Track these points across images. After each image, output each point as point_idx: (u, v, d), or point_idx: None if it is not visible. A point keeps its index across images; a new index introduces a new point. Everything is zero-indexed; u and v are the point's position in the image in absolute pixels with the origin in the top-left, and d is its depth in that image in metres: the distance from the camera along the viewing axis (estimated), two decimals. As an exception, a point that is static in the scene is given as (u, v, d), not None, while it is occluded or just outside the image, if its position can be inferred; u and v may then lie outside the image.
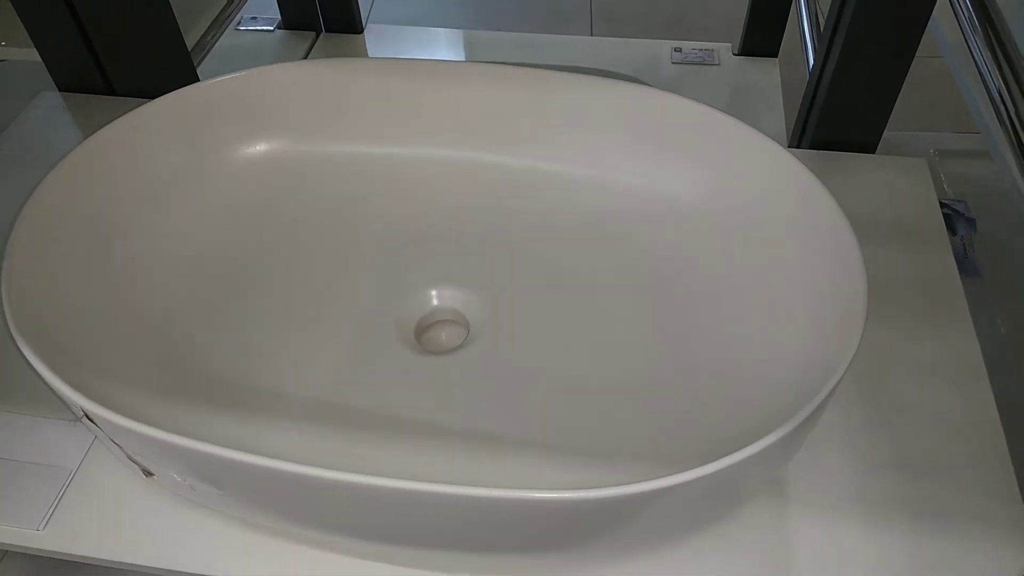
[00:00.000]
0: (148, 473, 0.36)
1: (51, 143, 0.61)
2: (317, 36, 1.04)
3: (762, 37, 0.94)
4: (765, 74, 0.96)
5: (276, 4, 1.04)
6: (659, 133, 0.46)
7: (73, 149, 0.44)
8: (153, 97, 0.49)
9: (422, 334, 0.47)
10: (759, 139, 0.43)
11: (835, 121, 0.56)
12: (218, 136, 0.49)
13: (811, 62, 0.68)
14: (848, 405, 0.43)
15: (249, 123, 0.50)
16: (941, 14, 0.74)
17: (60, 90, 0.66)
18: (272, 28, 1.05)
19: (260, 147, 0.50)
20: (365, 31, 1.07)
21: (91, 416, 0.33)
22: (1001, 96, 0.53)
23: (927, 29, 0.54)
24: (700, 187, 0.46)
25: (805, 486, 0.40)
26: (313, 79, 0.50)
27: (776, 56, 0.98)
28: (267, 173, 0.50)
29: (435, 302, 0.47)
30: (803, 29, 0.78)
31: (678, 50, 0.99)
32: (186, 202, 0.48)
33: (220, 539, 0.39)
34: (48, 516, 0.40)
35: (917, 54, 0.54)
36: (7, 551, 0.40)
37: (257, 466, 0.30)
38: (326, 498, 0.32)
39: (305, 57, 1.02)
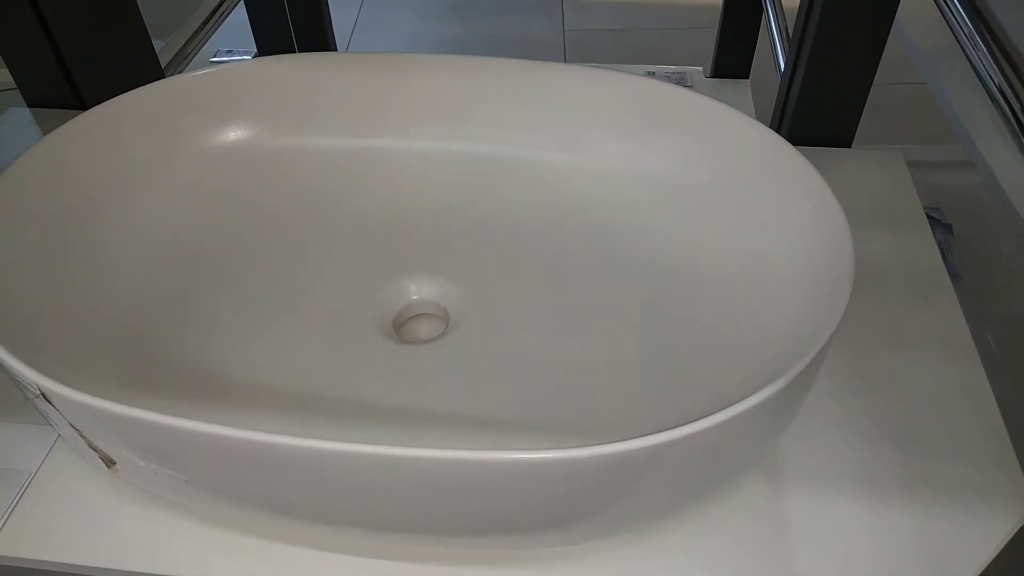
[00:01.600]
0: (110, 462, 0.34)
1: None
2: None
3: (733, 59, 0.96)
4: (738, 94, 0.97)
5: (252, 36, 1.05)
6: (638, 117, 0.46)
7: (41, 139, 0.43)
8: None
9: (400, 327, 0.45)
10: (738, 117, 0.43)
11: (810, 115, 0.57)
12: (191, 129, 0.49)
13: (782, 64, 0.69)
14: (841, 382, 0.42)
15: (222, 116, 0.49)
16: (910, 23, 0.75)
17: (29, 106, 0.65)
18: (249, 59, 1.06)
19: (233, 139, 0.50)
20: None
21: (47, 396, 0.31)
22: (1002, 89, 0.53)
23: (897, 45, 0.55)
24: (681, 166, 0.45)
25: (800, 464, 0.39)
26: (287, 73, 0.49)
27: (747, 77, 1.00)
28: (241, 166, 0.49)
29: (413, 295, 0.46)
30: (771, 31, 0.79)
31: (651, 74, 1.01)
32: (156, 193, 0.47)
33: (188, 538, 0.37)
34: (2, 520, 0.38)
35: (877, 81, 0.55)
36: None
37: (223, 437, 0.29)
38: (298, 474, 0.30)
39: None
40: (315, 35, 1.05)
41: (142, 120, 0.47)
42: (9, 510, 0.38)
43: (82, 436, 0.33)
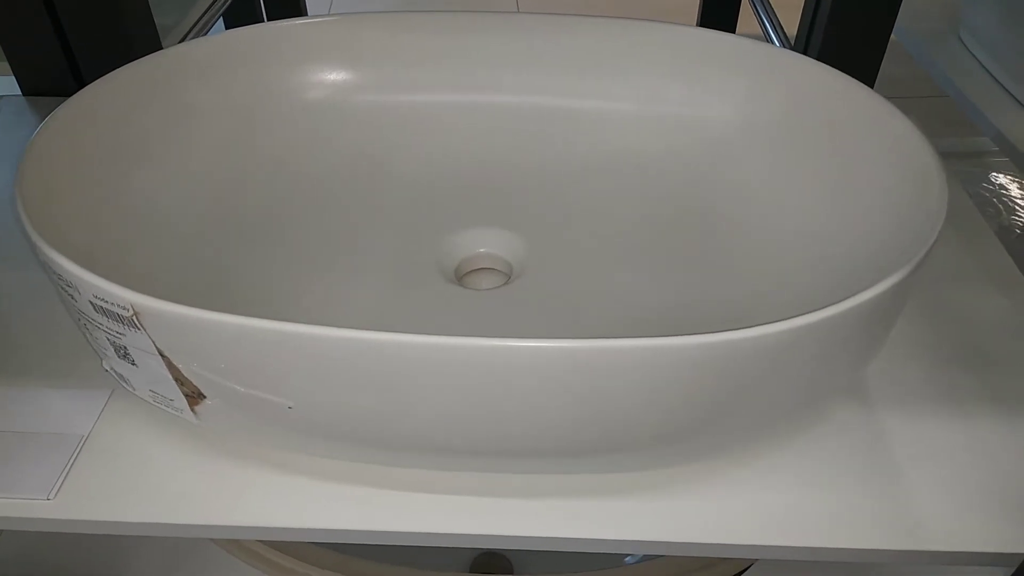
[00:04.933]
0: (199, 397, 0.32)
1: (20, 142, 0.57)
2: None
3: (719, 14, 0.97)
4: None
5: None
6: (692, 65, 0.47)
7: (100, 78, 0.41)
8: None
9: (462, 279, 0.44)
10: (789, 55, 0.44)
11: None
12: (250, 81, 0.47)
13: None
14: (908, 314, 0.43)
15: (280, 71, 0.48)
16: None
17: (24, 94, 0.62)
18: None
19: (291, 94, 0.48)
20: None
21: (142, 317, 0.29)
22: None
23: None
24: (744, 110, 0.46)
25: (886, 390, 0.39)
26: (350, 33, 0.49)
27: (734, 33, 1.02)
28: (300, 120, 0.48)
29: (474, 248, 0.44)
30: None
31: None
32: (213, 143, 0.45)
33: (263, 487, 0.34)
34: (59, 483, 0.35)
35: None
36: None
37: (359, 340, 0.27)
38: (424, 383, 0.28)
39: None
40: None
41: (201, 70, 0.46)
42: (64, 473, 0.35)
43: (171, 368, 0.31)
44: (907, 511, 0.34)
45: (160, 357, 0.31)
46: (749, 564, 0.55)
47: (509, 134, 0.48)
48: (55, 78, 0.61)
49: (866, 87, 0.41)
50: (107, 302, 0.29)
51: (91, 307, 0.31)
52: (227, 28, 1.02)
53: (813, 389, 0.34)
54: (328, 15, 0.49)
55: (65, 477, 0.35)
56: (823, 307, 0.29)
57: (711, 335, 0.27)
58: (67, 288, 0.31)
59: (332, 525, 0.34)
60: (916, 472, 0.36)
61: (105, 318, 0.30)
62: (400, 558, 0.56)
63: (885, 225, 0.37)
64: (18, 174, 0.35)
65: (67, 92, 0.61)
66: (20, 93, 0.62)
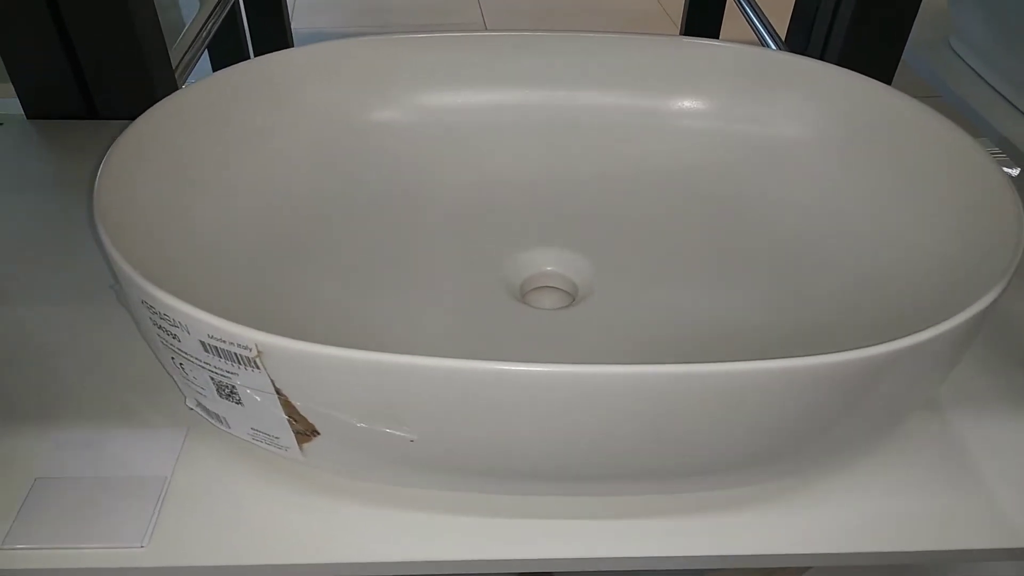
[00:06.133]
0: (311, 434, 0.31)
1: (27, 168, 0.54)
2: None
3: (703, 23, 0.99)
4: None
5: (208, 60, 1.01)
6: (743, 82, 0.48)
7: (162, 101, 0.41)
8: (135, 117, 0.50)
9: (526, 297, 0.44)
10: (854, 77, 0.45)
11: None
12: (309, 98, 0.47)
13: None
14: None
15: (334, 88, 0.48)
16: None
17: (28, 118, 0.59)
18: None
19: (346, 112, 0.48)
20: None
21: (264, 356, 0.28)
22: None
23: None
24: (811, 129, 0.47)
25: (953, 395, 0.40)
26: (404, 53, 0.49)
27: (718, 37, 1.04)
28: (361, 141, 0.48)
29: (538, 265, 0.44)
30: None
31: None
32: (268, 165, 0.45)
33: (373, 521, 0.34)
34: (150, 530, 0.33)
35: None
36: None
37: (500, 372, 0.27)
38: (558, 410, 0.28)
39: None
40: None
41: (261, 88, 0.46)
42: (154, 519, 0.34)
43: (286, 406, 0.30)
44: (989, 510, 0.36)
45: (276, 395, 0.30)
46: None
47: (567, 151, 0.48)
48: (64, 101, 0.58)
49: (933, 110, 0.42)
50: (225, 342, 0.29)
51: (200, 347, 0.30)
52: (212, 60, 1.00)
53: (904, 404, 0.35)
54: (389, 34, 0.49)
55: (155, 523, 0.34)
56: (923, 328, 0.29)
57: (829, 355, 0.28)
58: (171, 328, 0.30)
59: (443, 556, 0.33)
60: (992, 472, 0.37)
61: (217, 358, 0.29)
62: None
63: (956, 244, 0.39)
64: (98, 209, 0.33)
65: (76, 115, 0.59)
66: (23, 115, 0.60)
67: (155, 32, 0.58)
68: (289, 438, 0.32)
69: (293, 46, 1.05)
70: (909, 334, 0.29)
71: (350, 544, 0.33)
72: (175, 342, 0.31)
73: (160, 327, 0.31)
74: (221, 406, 0.32)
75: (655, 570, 0.37)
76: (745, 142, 0.48)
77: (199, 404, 0.34)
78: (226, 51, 0.99)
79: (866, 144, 0.45)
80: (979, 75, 0.73)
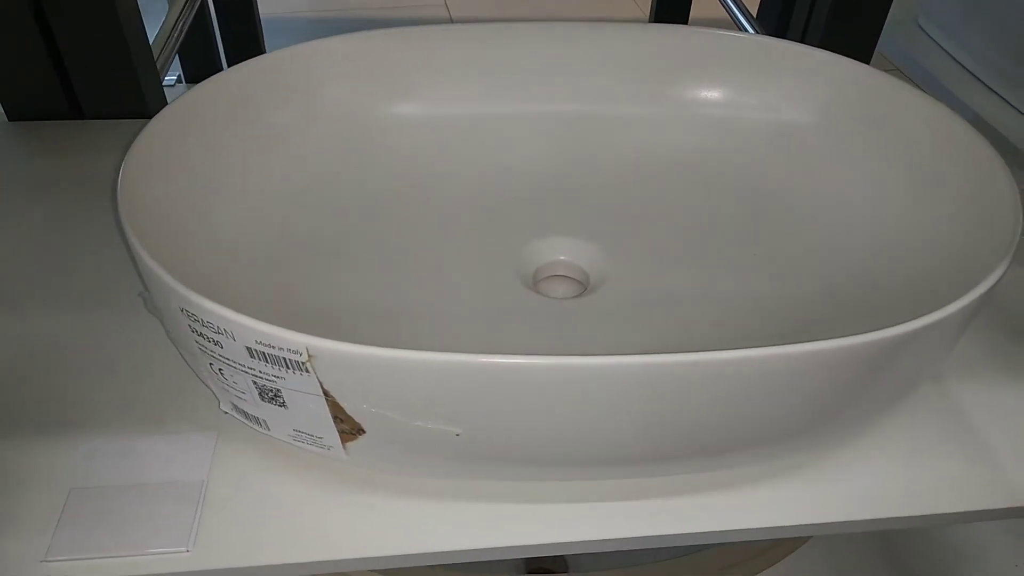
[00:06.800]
0: (357, 433, 0.31)
1: (13, 172, 0.53)
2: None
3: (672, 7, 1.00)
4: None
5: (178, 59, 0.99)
6: (739, 69, 0.49)
7: (182, 95, 0.41)
8: (123, 117, 0.54)
9: (538, 286, 0.45)
10: (864, 69, 0.46)
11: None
12: (325, 93, 0.47)
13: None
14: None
15: (360, 84, 0.48)
16: None
17: (10, 120, 0.58)
18: (173, 83, 1.00)
19: (366, 109, 0.48)
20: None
21: (314, 360, 0.28)
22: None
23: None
24: (818, 117, 0.48)
25: (952, 369, 0.43)
26: (413, 46, 0.49)
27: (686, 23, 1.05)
28: (372, 137, 0.48)
29: (548, 255, 0.45)
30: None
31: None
32: (288, 157, 0.45)
33: (404, 513, 0.35)
34: (194, 533, 0.34)
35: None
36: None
37: (546, 367, 0.28)
38: (600, 400, 0.29)
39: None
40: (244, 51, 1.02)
41: (279, 82, 0.46)
42: (196, 522, 0.34)
43: (333, 407, 0.30)
44: (994, 471, 0.38)
45: (323, 397, 0.30)
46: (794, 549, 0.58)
47: (575, 141, 0.49)
48: (46, 101, 0.57)
49: (940, 104, 0.44)
50: (274, 347, 0.29)
51: (246, 353, 0.30)
52: (184, 69, 0.98)
53: (918, 378, 0.36)
54: (402, 28, 0.48)
55: (198, 526, 0.34)
56: (940, 307, 0.31)
57: (856, 337, 0.29)
58: (214, 335, 0.30)
59: (486, 544, 0.34)
60: (1007, 439, 0.39)
61: (263, 363, 0.30)
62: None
63: (958, 229, 0.40)
64: (126, 217, 0.33)
65: (59, 116, 0.58)
66: (3, 117, 0.58)
67: (140, 28, 0.57)
68: (333, 438, 0.32)
69: (263, 40, 1.04)
70: (926, 312, 0.31)
71: (391, 536, 0.34)
72: (217, 348, 0.31)
73: (200, 334, 0.31)
74: (263, 409, 0.33)
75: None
76: (753, 129, 0.49)
77: (236, 408, 0.34)
78: (195, 49, 0.97)
79: (869, 131, 0.46)
80: (947, 52, 0.76)
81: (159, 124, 0.39)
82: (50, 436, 0.37)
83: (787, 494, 0.37)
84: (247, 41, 1.01)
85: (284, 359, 0.29)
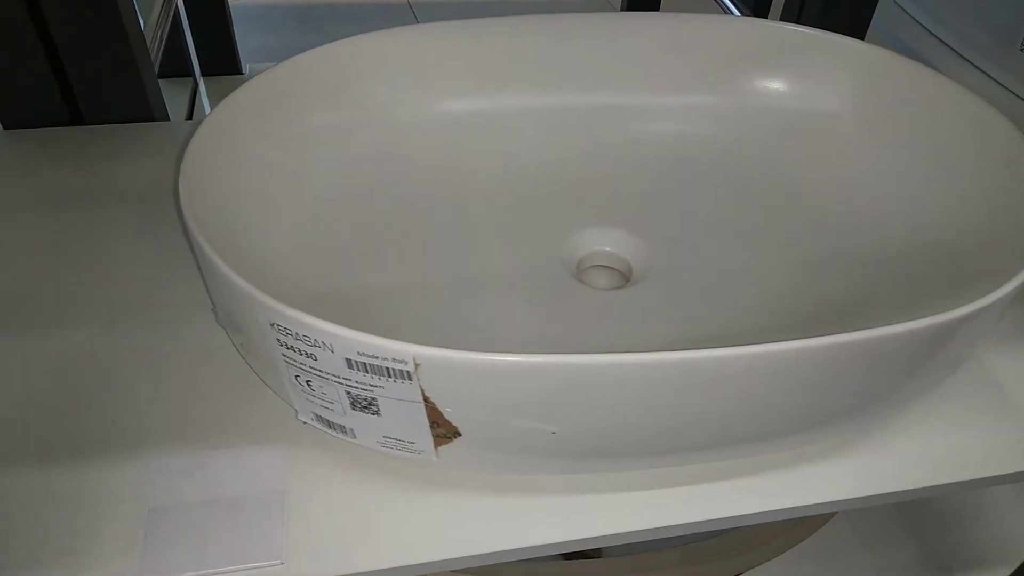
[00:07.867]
0: (453, 436, 0.32)
1: (13, 183, 0.51)
2: (195, 81, 0.97)
3: None
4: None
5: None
6: (773, 57, 0.50)
7: (229, 96, 0.41)
8: (125, 121, 0.53)
9: (581, 276, 0.45)
10: (894, 57, 0.48)
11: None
12: (368, 94, 0.47)
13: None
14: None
15: (402, 80, 0.48)
16: None
17: (5, 128, 0.56)
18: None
19: (409, 106, 0.48)
20: (246, 71, 1.02)
21: (420, 368, 0.29)
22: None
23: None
24: (850, 106, 0.50)
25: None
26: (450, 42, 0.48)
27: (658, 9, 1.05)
28: (404, 130, 0.48)
29: (590, 245, 0.46)
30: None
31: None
32: (323, 160, 0.45)
33: (485, 511, 0.35)
34: (285, 545, 0.34)
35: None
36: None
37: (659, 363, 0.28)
38: (702, 391, 0.30)
39: (190, 101, 0.95)
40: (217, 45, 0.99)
41: (319, 80, 0.46)
42: (284, 533, 0.34)
43: (432, 412, 0.31)
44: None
45: (423, 404, 0.30)
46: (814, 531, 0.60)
47: (610, 132, 0.50)
48: (44, 107, 0.55)
49: (970, 92, 0.45)
50: (377, 358, 0.29)
51: (344, 364, 0.30)
52: (160, 76, 0.95)
53: (963, 358, 0.38)
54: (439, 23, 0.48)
55: (287, 537, 0.34)
56: (985, 294, 0.33)
57: (917, 321, 0.31)
58: (309, 348, 0.30)
59: (580, 535, 0.35)
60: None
61: (362, 373, 0.30)
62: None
63: (985, 214, 0.42)
64: (198, 231, 0.33)
65: (58, 122, 0.56)
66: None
67: (139, 31, 0.55)
68: (427, 442, 0.32)
69: (234, 32, 1.01)
70: (978, 298, 0.32)
71: (474, 535, 0.34)
72: (309, 361, 0.31)
73: (291, 347, 0.31)
74: (352, 418, 0.33)
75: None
76: (784, 118, 0.50)
77: (318, 418, 0.34)
78: (168, 44, 0.94)
79: (897, 118, 0.48)
80: (923, 26, 0.78)
81: (207, 129, 0.38)
82: (116, 456, 0.36)
83: (834, 471, 0.38)
84: (216, 30, 0.98)
85: (387, 368, 0.29)
